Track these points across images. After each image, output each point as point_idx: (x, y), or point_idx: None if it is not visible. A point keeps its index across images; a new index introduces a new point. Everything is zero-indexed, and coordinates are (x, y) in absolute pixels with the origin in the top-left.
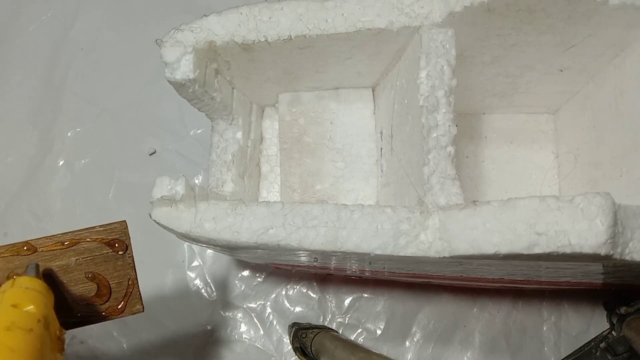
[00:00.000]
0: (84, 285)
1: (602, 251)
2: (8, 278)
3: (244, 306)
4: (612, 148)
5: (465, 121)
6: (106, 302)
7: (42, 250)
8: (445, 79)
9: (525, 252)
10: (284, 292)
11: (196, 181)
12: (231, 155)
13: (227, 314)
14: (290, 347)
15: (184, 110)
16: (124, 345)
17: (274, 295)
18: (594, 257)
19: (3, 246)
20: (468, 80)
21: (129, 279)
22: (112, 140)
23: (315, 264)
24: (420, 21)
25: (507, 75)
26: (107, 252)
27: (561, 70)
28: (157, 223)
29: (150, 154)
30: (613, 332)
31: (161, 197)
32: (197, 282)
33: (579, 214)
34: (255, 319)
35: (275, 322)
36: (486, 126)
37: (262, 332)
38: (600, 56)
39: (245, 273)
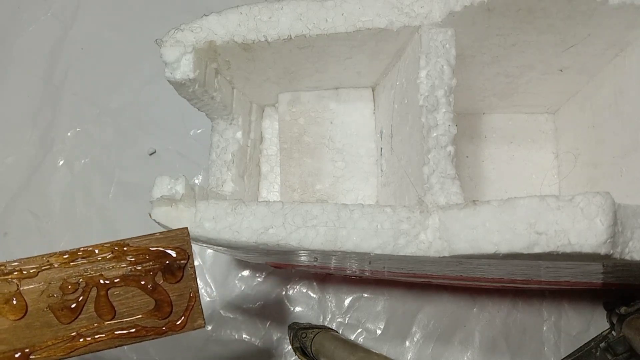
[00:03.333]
0: (142, 298)
1: (602, 250)
2: (62, 289)
3: (244, 306)
4: (612, 148)
5: (465, 121)
6: (167, 317)
7: (99, 260)
8: (445, 78)
9: (525, 251)
10: (284, 292)
11: (196, 181)
12: (231, 155)
13: (227, 314)
14: (290, 347)
15: (184, 110)
16: (124, 346)
17: (274, 295)
18: (593, 257)
19: (56, 254)
20: (468, 80)
21: (191, 292)
22: (112, 140)
23: (315, 263)
24: (420, 21)
25: (507, 75)
26: (168, 262)
27: (561, 70)
28: (157, 222)
29: (150, 154)
30: (613, 332)
31: (161, 196)
32: (197, 282)
33: (579, 213)
34: (255, 319)
35: (275, 322)
36: (486, 126)
37: (262, 332)
38: (600, 56)
39: (245, 273)
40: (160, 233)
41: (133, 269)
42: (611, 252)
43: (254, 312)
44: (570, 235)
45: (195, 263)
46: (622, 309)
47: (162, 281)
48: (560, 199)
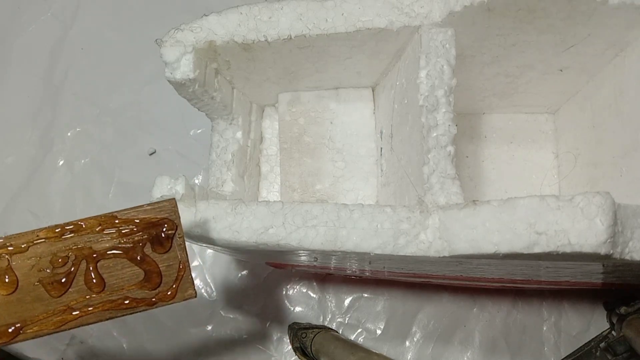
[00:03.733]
0: (131, 269)
1: (602, 250)
2: (52, 263)
3: (244, 306)
4: (611, 148)
5: (465, 121)
6: (157, 287)
7: (88, 232)
8: (445, 78)
9: (525, 251)
10: (283, 292)
11: (196, 181)
12: (231, 155)
13: (227, 314)
14: (290, 347)
15: (184, 110)
16: (124, 345)
17: (274, 295)
18: (593, 257)
19: (46, 229)
20: (468, 80)
21: (180, 262)
22: (112, 140)
23: (315, 263)
24: (420, 21)
25: (507, 75)
26: (156, 233)
27: (561, 70)
28: None
29: (150, 154)
30: (613, 332)
31: (161, 196)
32: (197, 282)
33: (579, 213)
34: (255, 319)
35: (275, 322)
36: (486, 126)
37: (262, 332)
38: (600, 56)
39: (245, 273)
40: (149, 204)
41: (122, 241)
42: (611, 252)
43: (254, 312)
44: (570, 235)
45: (195, 263)
46: (622, 309)
47: (150, 252)
48: (560, 198)
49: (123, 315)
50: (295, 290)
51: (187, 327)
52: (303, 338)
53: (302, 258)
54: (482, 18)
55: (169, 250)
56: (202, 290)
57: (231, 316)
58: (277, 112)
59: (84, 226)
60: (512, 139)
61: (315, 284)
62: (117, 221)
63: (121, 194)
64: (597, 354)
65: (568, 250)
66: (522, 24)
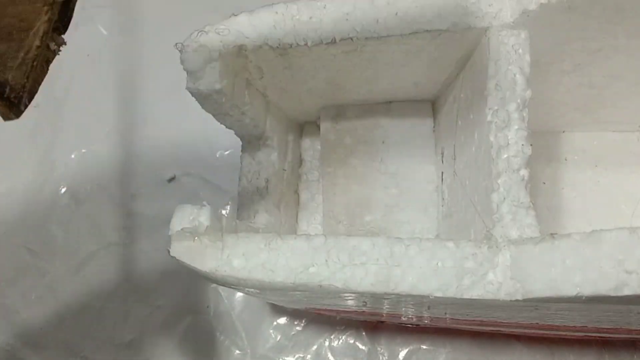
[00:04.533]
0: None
1: None
2: None
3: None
4: None
5: (542, 140)
6: None
7: None
8: (517, 89)
9: (612, 293)
10: (327, 343)
11: (223, 211)
12: (264, 181)
13: None
14: None
15: (209, 128)
16: None
17: (315, 347)
18: None
19: None
20: (545, 92)
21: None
22: (124, 163)
23: (364, 309)
24: (489, 21)
25: (591, 86)
26: None
27: None
28: (177, 260)
29: (169, 180)
30: None
31: (182, 229)
32: (225, 331)
33: None
34: None
35: None
36: (566, 146)
37: None
38: None
39: (282, 320)
40: None
41: None
42: None
43: None
44: None
45: (222, 309)
46: None
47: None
48: None
49: None
50: (341, 341)
51: None
52: None
53: (349, 302)
54: (561, 18)
55: None
56: (230, 342)
57: None
58: (319, 130)
59: None
60: (597, 161)
61: (364, 333)
62: None
63: (135, 226)
64: None
65: None
66: (609, 25)
